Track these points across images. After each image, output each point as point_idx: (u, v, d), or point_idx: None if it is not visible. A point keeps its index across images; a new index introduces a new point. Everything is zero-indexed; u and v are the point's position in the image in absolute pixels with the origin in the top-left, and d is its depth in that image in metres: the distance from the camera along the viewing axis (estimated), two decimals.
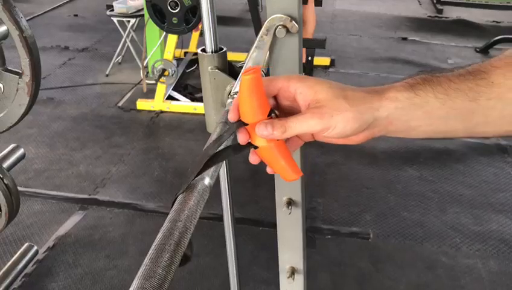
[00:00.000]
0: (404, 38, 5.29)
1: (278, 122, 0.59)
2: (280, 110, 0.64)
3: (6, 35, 0.99)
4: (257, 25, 3.20)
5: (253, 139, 0.61)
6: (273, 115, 0.60)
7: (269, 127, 0.58)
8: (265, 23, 0.80)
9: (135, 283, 0.47)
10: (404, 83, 0.61)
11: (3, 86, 1.03)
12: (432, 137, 0.64)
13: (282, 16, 0.78)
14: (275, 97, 0.63)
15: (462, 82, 0.59)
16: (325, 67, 4.52)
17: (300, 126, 0.59)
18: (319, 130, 0.59)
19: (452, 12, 6.09)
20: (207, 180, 0.64)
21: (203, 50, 0.93)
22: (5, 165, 1.24)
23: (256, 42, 0.82)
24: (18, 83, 1.02)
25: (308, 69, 3.17)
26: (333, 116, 0.58)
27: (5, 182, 1.15)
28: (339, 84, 0.62)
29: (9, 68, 1.04)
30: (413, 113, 0.60)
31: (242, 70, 0.58)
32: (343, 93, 0.59)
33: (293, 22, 0.77)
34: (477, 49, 4.97)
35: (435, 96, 0.59)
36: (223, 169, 1.04)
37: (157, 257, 0.50)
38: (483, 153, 3.22)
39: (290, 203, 1.00)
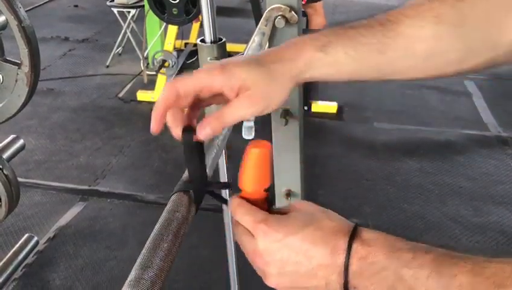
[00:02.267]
0: None
1: (213, 120, 0.57)
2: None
3: (5, 26, 0.99)
4: (257, 15, 3.19)
5: None
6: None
7: (207, 128, 0.57)
8: (265, 13, 0.79)
9: (133, 273, 0.46)
10: (316, 41, 0.61)
11: (3, 77, 1.03)
12: (344, 81, 0.66)
13: (281, 6, 0.77)
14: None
15: (372, 35, 0.61)
16: None
17: (235, 116, 0.58)
18: (257, 114, 0.59)
19: None
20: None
21: (202, 41, 0.92)
22: (5, 156, 1.24)
23: (255, 32, 0.81)
24: (17, 74, 1.01)
25: None
26: (266, 100, 0.58)
27: (5, 172, 1.15)
28: (252, 57, 0.61)
29: (8, 58, 1.04)
30: (326, 71, 0.62)
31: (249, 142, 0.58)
32: (263, 69, 0.58)
33: (292, 12, 0.77)
34: None
35: (344, 53, 0.60)
36: (222, 160, 1.04)
37: (155, 247, 0.50)
38: (483, 145, 3.21)
39: (289, 194, 1.00)
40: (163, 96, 0.57)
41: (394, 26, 0.60)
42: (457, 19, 0.59)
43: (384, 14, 0.62)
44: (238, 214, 0.57)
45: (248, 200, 0.58)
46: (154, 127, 0.57)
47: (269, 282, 0.56)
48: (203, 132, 0.57)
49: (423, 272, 0.47)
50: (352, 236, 0.52)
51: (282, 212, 0.57)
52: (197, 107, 0.60)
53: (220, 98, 0.59)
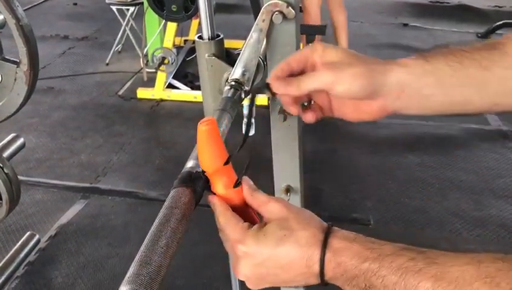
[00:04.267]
0: (406, 24, 5.25)
1: (293, 80, 0.62)
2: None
3: (3, 25, 0.99)
4: (256, 11, 3.18)
5: (212, 186, 0.63)
6: (230, 162, 0.62)
7: (283, 84, 0.62)
8: (262, 9, 0.79)
9: (131, 270, 0.47)
10: (417, 54, 0.62)
11: (1, 76, 1.03)
12: (449, 111, 0.63)
13: (279, 1, 0.77)
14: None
15: (476, 52, 0.59)
16: None
17: (313, 81, 0.61)
18: (330, 84, 0.61)
19: None
20: None
21: (200, 37, 0.92)
22: (5, 154, 1.24)
23: (253, 29, 0.81)
24: (16, 72, 1.02)
25: None
26: (343, 70, 0.60)
27: (5, 171, 1.16)
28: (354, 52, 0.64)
29: (7, 57, 1.04)
30: (425, 80, 0.60)
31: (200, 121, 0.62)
32: (356, 55, 0.62)
33: (290, 7, 0.77)
34: (479, 35, 4.94)
35: (446, 63, 0.59)
36: None
37: (153, 244, 0.50)
38: (484, 139, 3.21)
39: (289, 190, 1.00)
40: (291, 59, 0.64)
41: (500, 46, 0.59)
42: None
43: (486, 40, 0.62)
44: (220, 222, 0.61)
45: (214, 177, 0.62)
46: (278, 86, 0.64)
47: (247, 284, 0.60)
48: (277, 86, 0.63)
49: (391, 280, 0.50)
50: (324, 245, 0.55)
51: (259, 225, 0.59)
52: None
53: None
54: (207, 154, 0.60)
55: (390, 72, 0.60)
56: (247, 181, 0.63)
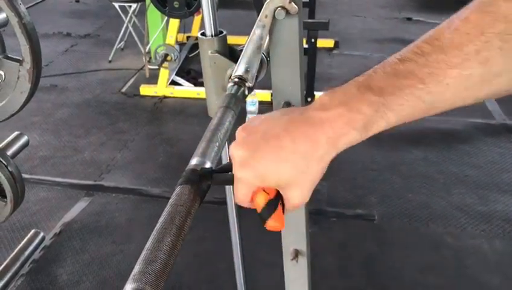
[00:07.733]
0: (409, 19, 5.23)
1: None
2: None
3: (5, 23, 0.99)
4: (258, 7, 3.17)
5: None
6: None
7: None
8: (265, 4, 0.79)
9: (137, 268, 0.47)
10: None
11: (4, 74, 1.03)
12: None
13: None
14: None
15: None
16: (329, 49, 4.49)
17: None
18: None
19: None
20: (208, 164, 0.64)
21: (203, 34, 0.92)
22: (9, 152, 1.24)
23: (256, 25, 0.81)
24: (19, 70, 1.02)
25: (311, 51, 3.14)
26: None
27: (10, 169, 1.16)
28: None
29: (9, 55, 1.04)
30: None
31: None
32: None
33: (292, 3, 0.76)
34: None
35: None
36: (225, 152, 1.04)
37: (158, 241, 0.50)
38: (489, 134, 3.20)
39: None
40: None
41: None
42: None
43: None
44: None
45: None
46: None
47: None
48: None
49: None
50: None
51: None
52: None
53: None
54: None
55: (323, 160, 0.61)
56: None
